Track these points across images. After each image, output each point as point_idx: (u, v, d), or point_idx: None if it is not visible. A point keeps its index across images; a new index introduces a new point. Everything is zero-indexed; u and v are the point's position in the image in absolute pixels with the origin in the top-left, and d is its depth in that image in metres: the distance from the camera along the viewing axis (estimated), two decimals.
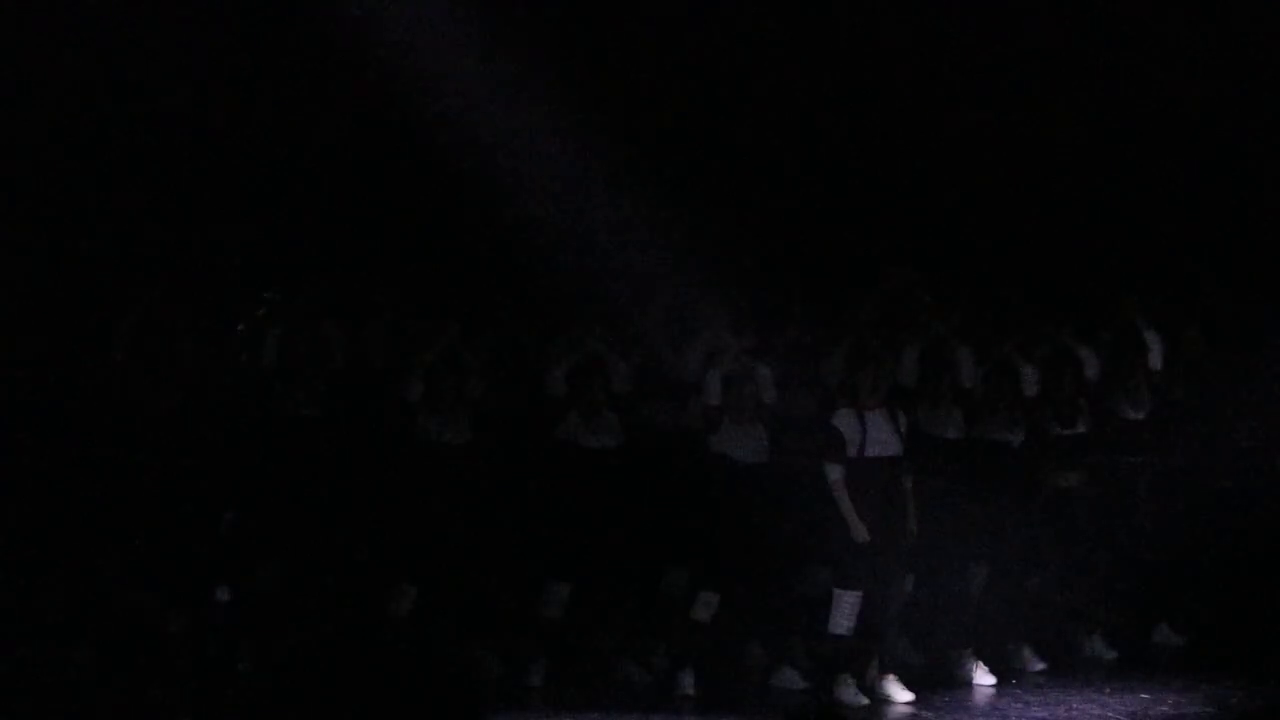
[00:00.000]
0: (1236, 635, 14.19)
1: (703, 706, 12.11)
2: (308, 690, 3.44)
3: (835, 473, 12.12)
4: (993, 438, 12.93)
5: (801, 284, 14.88)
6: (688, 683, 12.27)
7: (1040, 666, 13.05)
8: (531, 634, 12.79)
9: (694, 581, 12.58)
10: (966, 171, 18.11)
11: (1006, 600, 13.26)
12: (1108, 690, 12.57)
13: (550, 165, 17.80)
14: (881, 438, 12.18)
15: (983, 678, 12.73)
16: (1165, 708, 12.14)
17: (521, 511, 13.59)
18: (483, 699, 11.92)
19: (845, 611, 12.14)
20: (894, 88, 18.20)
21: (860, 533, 12.08)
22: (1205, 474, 14.36)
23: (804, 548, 13.09)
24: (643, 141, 17.67)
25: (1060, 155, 18.22)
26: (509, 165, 17.79)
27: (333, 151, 17.75)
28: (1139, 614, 14.09)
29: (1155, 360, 13.84)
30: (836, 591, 12.17)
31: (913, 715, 11.99)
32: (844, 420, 12.20)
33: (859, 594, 12.15)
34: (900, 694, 12.31)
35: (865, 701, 12.16)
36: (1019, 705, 12.25)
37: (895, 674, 12.41)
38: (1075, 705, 12.20)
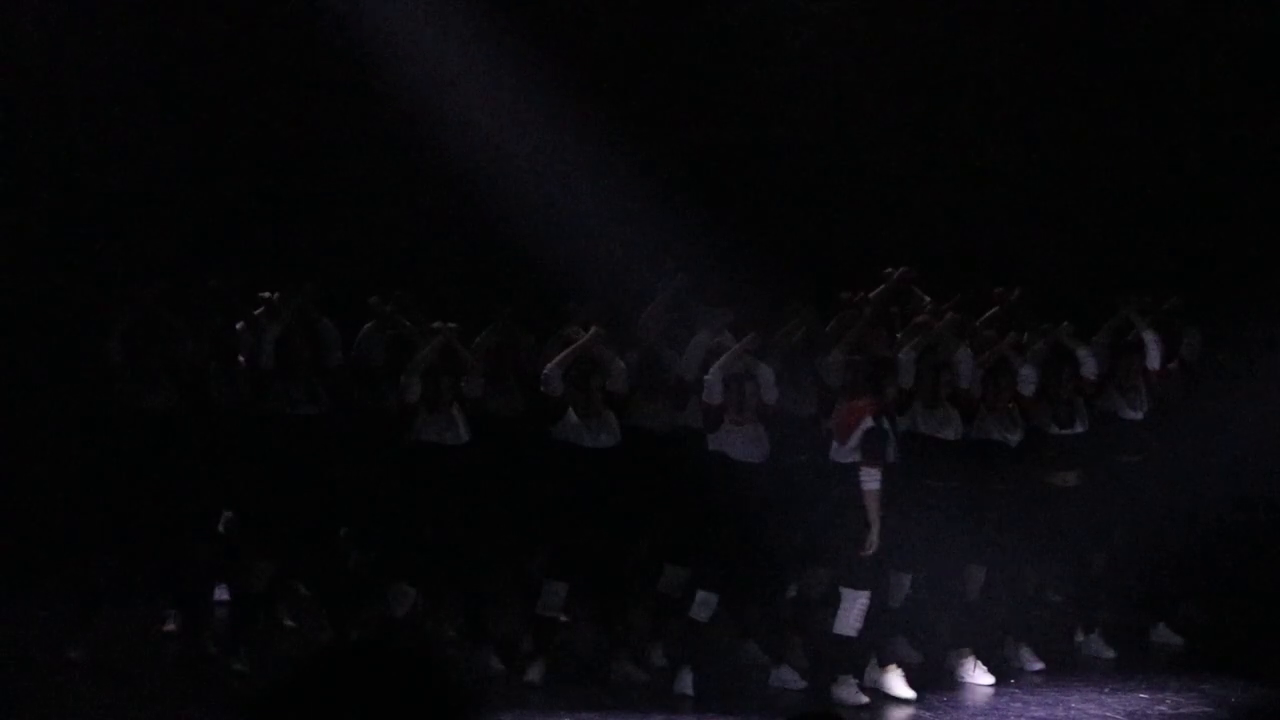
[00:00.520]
0: (1235, 635, 14.20)
1: (701, 706, 12.11)
2: (306, 690, 3.42)
3: (873, 479, 12.01)
4: (991, 438, 12.93)
5: (801, 284, 14.89)
6: (686, 682, 12.28)
7: (1038, 666, 13.06)
8: (531, 634, 12.80)
9: (693, 581, 12.58)
10: (966, 171, 18.12)
11: (1004, 600, 13.27)
12: (1106, 690, 12.58)
13: (550, 165, 17.81)
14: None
15: (981, 677, 12.73)
16: (1164, 707, 12.15)
17: (519, 511, 13.61)
18: (482, 699, 11.93)
19: (855, 613, 12.14)
20: (893, 87, 18.20)
21: (875, 544, 12.04)
22: (1203, 474, 14.37)
23: (804, 547, 13.11)
24: (644, 141, 17.67)
25: (1060, 155, 18.22)
26: (508, 165, 17.80)
27: (332, 151, 17.76)
28: (1137, 613, 14.10)
29: (1153, 360, 13.84)
30: (845, 591, 12.16)
31: (912, 715, 11.99)
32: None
33: (868, 594, 12.16)
34: (901, 689, 12.33)
35: (865, 700, 12.17)
36: (1017, 705, 12.26)
37: (898, 667, 12.45)
38: (1073, 705, 12.20)
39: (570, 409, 12.45)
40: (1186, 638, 13.91)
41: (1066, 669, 13.15)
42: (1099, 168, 18.23)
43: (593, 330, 12.83)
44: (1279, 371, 15.08)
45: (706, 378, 12.41)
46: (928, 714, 12.00)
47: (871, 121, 18.18)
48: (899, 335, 13.47)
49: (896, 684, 12.38)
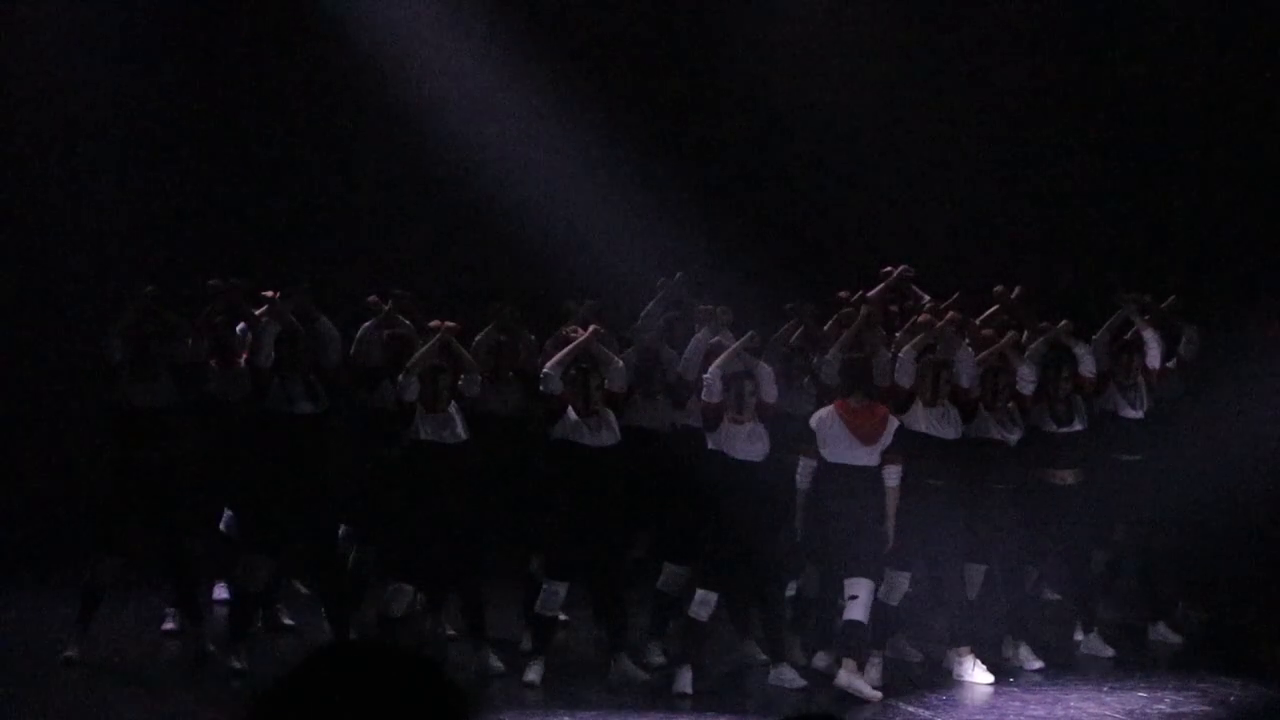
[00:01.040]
0: (1234, 634, 14.20)
1: (700, 705, 12.11)
2: (306, 690, 3.42)
3: (897, 476, 12.40)
4: (990, 436, 12.93)
5: (800, 282, 14.89)
6: (685, 681, 12.27)
7: (1038, 665, 13.06)
8: (530, 633, 12.80)
9: (692, 580, 12.58)
10: (966, 171, 18.13)
11: (1004, 599, 13.28)
12: (1105, 689, 12.58)
13: (550, 164, 17.81)
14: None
15: (980, 676, 12.73)
16: (1163, 706, 12.14)
17: (518, 510, 13.60)
18: (481, 698, 11.93)
19: (862, 599, 12.29)
20: (894, 86, 18.21)
21: (891, 539, 12.38)
22: (1202, 473, 14.37)
23: (804, 546, 13.11)
24: (644, 141, 17.68)
25: (1060, 154, 18.23)
26: (509, 164, 17.81)
27: (332, 150, 17.76)
28: (1136, 612, 14.10)
29: (1153, 359, 13.85)
30: (850, 581, 12.28)
31: (911, 714, 11.99)
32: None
33: (871, 583, 12.33)
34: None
35: (867, 690, 12.18)
36: (1016, 704, 12.26)
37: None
38: (1073, 704, 12.20)
39: (569, 408, 12.45)
40: (1185, 637, 13.92)
41: (1065, 668, 13.15)
42: (1099, 167, 18.23)
43: (592, 329, 12.83)
44: (1278, 371, 15.08)
45: (706, 377, 12.41)
46: (926, 713, 12.00)
47: (871, 121, 18.18)
48: (899, 334, 13.47)
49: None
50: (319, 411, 12.67)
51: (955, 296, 13.82)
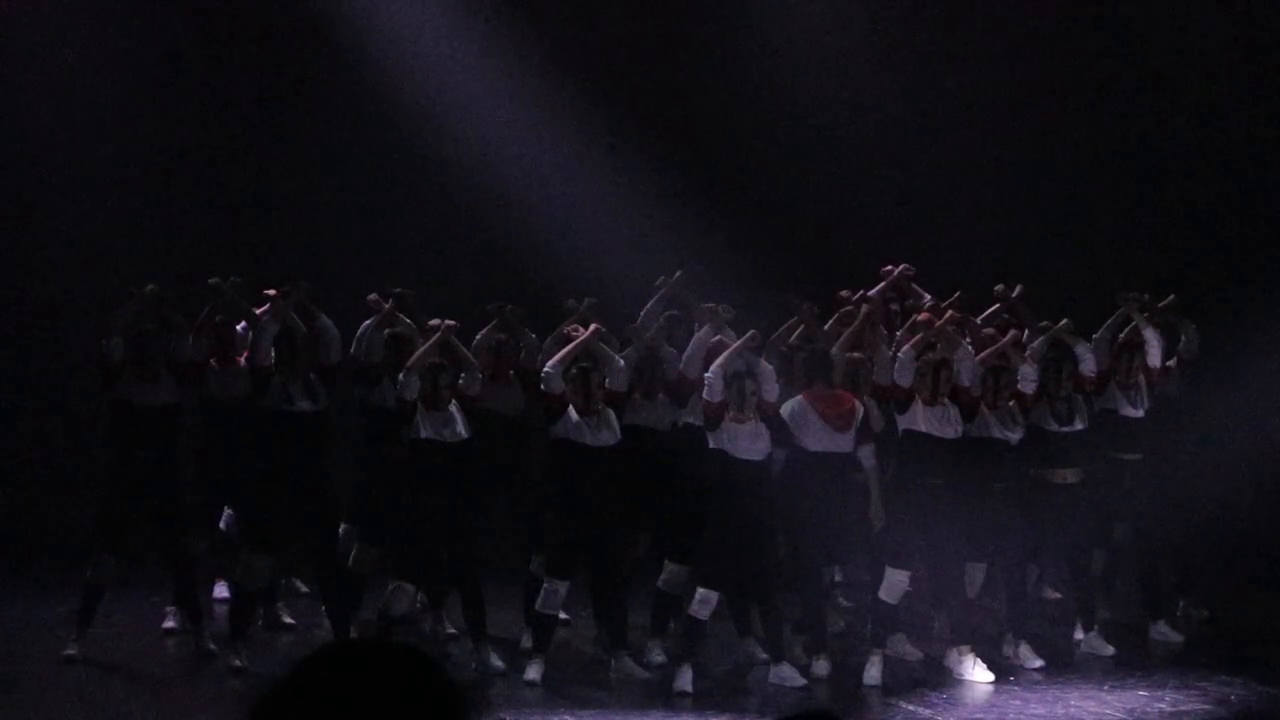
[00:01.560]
0: (1234, 633, 14.20)
1: (701, 704, 12.10)
2: (306, 688, 3.41)
3: (873, 455, 12.76)
4: (991, 435, 12.93)
5: (802, 282, 14.88)
6: (686, 680, 12.27)
7: (1038, 664, 13.05)
8: (531, 632, 12.80)
9: (693, 579, 12.58)
10: (967, 169, 18.12)
11: (1004, 598, 13.27)
12: (1106, 688, 12.57)
13: (550, 163, 17.80)
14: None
15: (981, 675, 12.73)
16: (1163, 705, 12.14)
17: (519, 509, 13.60)
18: (482, 697, 11.92)
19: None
20: (894, 85, 18.20)
21: (883, 515, 12.74)
22: (1203, 472, 14.36)
23: (805, 544, 13.11)
24: (645, 140, 17.67)
25: (1060, 154, 18.22)
26: (509, 163, 17.80)
27: (333, 149, 17.75)
28: (1137, 611, 14.10)
29: (1153, 358, 13.84)
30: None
31: (911, 713, 11.99)
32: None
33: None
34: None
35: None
36: (1017, 702, 12.25)
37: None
38: (1073, 702, 12.20)
39: (570, 407, 12.44)
40: (1186, 635, 13.91)
41: (1066, 667, 13.14)
42: (1099, 166, 18.22)
43: (592, 328, 12.83)
44: (1277, 370, 15.08)
45: (707, 376, 12.40)
46: (926, 712, 12.00)
47: (872, 120, 18.17)
48: (899, 333, 13.47)
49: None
50: (319, 410, 12.66)
51: (956, 295, 13.81)
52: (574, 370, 12.48)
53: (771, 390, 12.44)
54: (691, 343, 13.07)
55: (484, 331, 13.44)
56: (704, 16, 18.27)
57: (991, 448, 12.93)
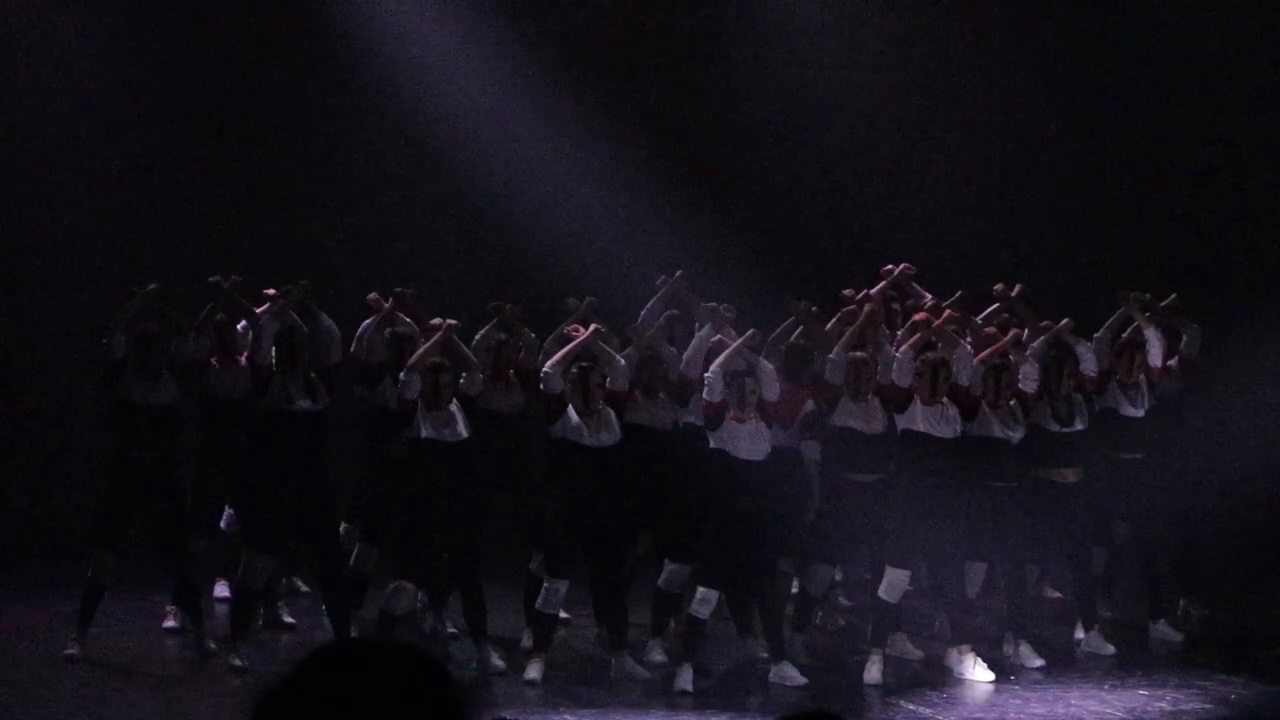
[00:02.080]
0: (1235, 632, 14.20)
1: (701, 703, 12.10)
2: (307, 688, 3.41)
3: (816, 451, 12.89)
4: (992, 435, 12.92)
5: (803, 281, 14.88)
6: (686, 679, 12.27)
7: (1039, 663, 13.04)
8: (531, 631, 12.79)
9: (693, 578, 12.58)
10: (967, 169, 18.12)
11: (1005, 597, 13.27)
12: (1106, 687, 12.57)
13: (551, 163, 17.80)
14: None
15: (981, 674, 12.72)
16: (1163, 704, 12.13)
17: (519, 509, 13.59)
18: (482, 696, 11.92)
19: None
20: (895, 85, 18.20)
21: (817, 507, 13.00)
22: (1203, 471, 14.36)
23: (805, 544, 13.11)
24: (645, 139, 17.66)
25: (1060, 153, 18.22)
26: (510, 163, 17.80)
27: (334, 149, 17.75)
28: (1137, 610, 14.09)
29: (1154, 357, 13.84)
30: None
31: (911, 713, 11.99)
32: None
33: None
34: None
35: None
36: (1017, 702, 12.25)
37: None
38: (1074, 702, 12.19)
39: (570, 407, 12.44)
40: (1186, 635, 13.91)
41: (1066, 666, 13.14)
42: (1100, 165, 18.22)
43: (593, 328, 12.83)
44: (1278, 369, 15.08)
45: (707, 375, 12.40)
46: (927, 711, 12.00)
47: (873, 120, 18.17)
48: (899, 332, 13.46)
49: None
50: (319, 409, 12.66)
51: (958, 295, 13.80)
52: (573, 370, 12.48)
53: (772, 390, 12.44)
54: (692, 342, 13.06)
55: (484, 331, 13.44)
56: (707, 17, 18.26)
57: (992, 447, 12.92)
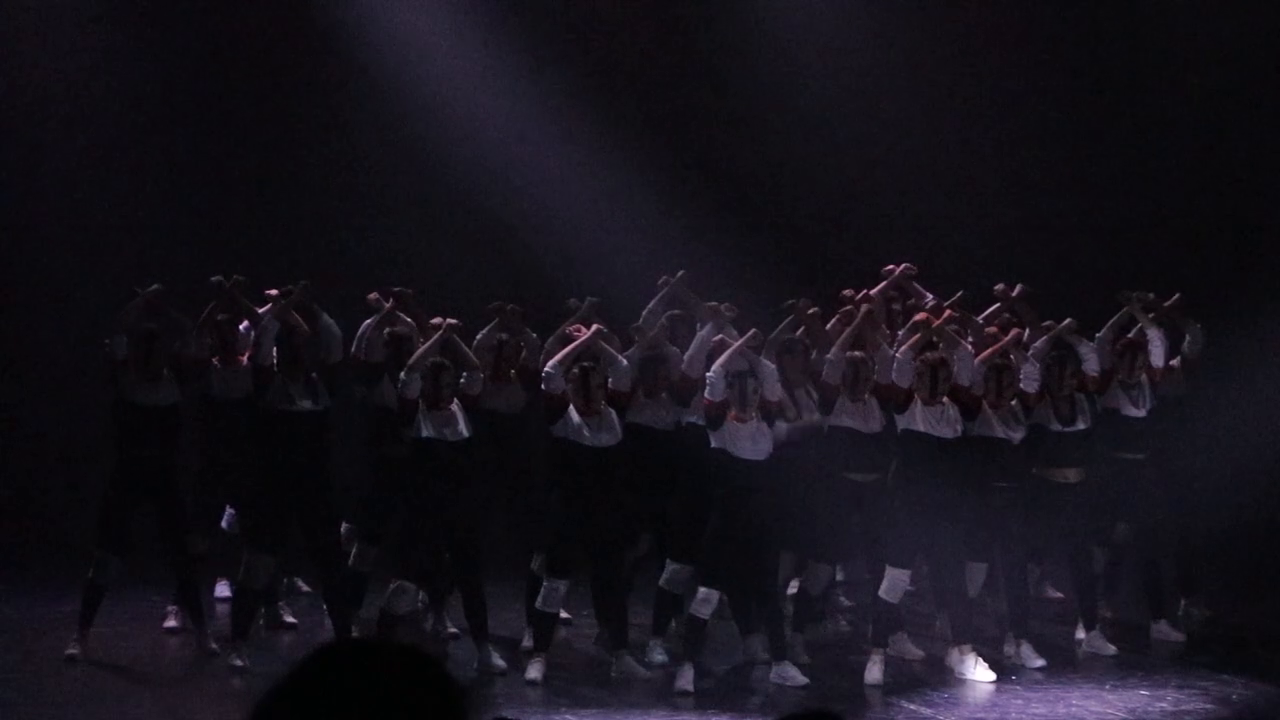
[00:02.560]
0: (1236, 632, 14.19)
1: (702, 703, 12.10)
2: (307, 688, 3.41)
3: (782, 433, 12.79)
4: (993, 434, 12.92)
5: (804, 281, 14.88)
6: (687, 679, 12.26)
7: (1040, 663, 13.04)
8: (532, 631, 12.79)
9: (694, 578, 12.58)
10: (966, 170, 18.11)
11: (1006, 597, 13.26)
12: (1107, 687, 12.56)
13: (552, 163, 17.80)
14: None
15: (982, 674, 12.72)
16: (1165, 704, 12.13)
17: (520, 509, 13.59)
18: (483, 696, 11.92)
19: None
20: (896, 86, 18.19)
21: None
22: (1204, 471, 14.35)
23: (806, 543, 13.11)
24: (646, 139, 17.66)
25: (1061, 153, 18.21)
26: (510, 163, 17.79)
27: (335, 149, 17.75)
28: (1138, 610, 14.08)
29: (1156, 357, 13.83)
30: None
31: (912, 713, 11.98)
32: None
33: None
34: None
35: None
36: (1018, 702, 12.25)
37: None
38: (1075, 702, 12.19)
39: (571, 407, 12.43)
40: (1188, 635, 13.90)
41: (1068, 666, 13.14)
42: (1102, 165, 18.21)
43: (594, 328, 12.82)
44: (1279, 369, 15.07)
45: (709, 375, 12.40)
46: (928, 711, 12.00)
47: (873, 120, 18.16)
48: (900, 332, 13.46)
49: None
50: (320, 409, 12.66)
51: (959, 295, 13.80)
52: (574, 370, 12.48)
53: (774, 389, 12.44)
54: (694, 342, 13.06)
55: (485, 331, 13.43)
56: (709, 17, 18.26)
57: (993, 447, 12.92)
